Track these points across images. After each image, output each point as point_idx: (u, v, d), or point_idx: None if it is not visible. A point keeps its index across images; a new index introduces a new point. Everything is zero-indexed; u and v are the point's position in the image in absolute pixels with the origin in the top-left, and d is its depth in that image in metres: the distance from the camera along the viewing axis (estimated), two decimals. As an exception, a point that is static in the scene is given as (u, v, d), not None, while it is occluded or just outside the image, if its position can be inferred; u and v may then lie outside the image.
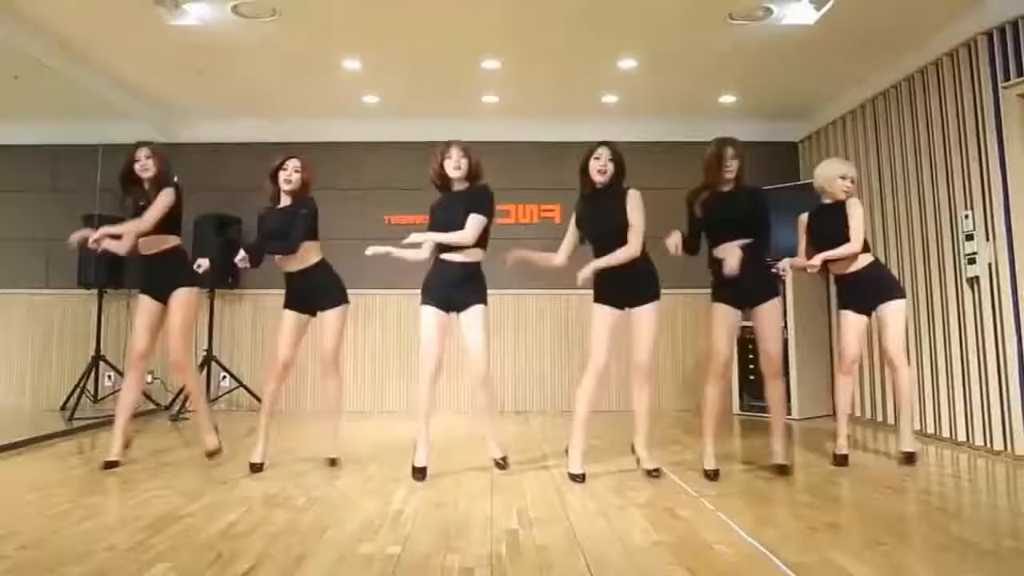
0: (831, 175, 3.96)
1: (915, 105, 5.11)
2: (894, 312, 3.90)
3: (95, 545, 2.45)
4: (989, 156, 4.35)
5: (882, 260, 5.43)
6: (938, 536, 2.61)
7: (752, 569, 2.25)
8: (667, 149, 6.57)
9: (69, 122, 6.43)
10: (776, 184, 6.10)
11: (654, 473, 3.55)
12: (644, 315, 3.55)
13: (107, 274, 6.25)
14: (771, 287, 3.63)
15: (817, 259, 3.85)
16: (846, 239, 3.86)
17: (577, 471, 3.51)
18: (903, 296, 3.97)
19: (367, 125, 6.64)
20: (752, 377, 6.11)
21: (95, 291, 6.29)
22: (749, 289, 3.55)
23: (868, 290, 3.95)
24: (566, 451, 3.73)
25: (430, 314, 3.59)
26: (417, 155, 6.74)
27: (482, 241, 3.61)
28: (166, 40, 4.87)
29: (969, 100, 4.53)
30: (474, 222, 3.53)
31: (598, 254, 3.56)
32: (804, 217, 4.10)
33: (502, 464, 3.70)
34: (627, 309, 3.58)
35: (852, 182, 3.95)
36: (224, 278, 6.37)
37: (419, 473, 3.55)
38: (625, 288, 3.55)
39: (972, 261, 4.46)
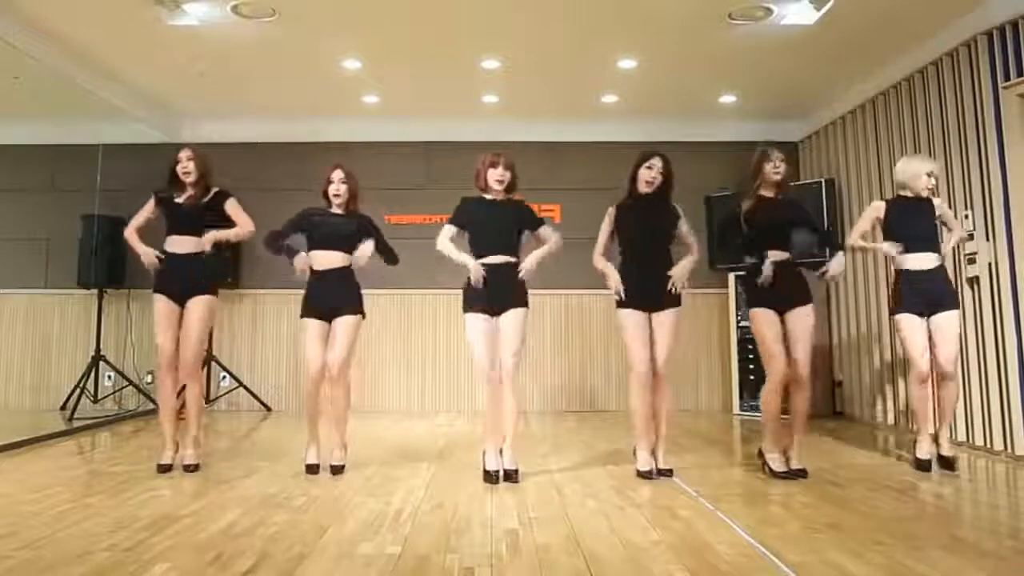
0: (917, 171, 3.85)
1: (915, 105, 5.11)
2: (952, 321, 3.79)
3: (95, 545, 2.44)
4: (989, 156, 4.35)
5: (882, 259, 5.46)
6: (938, 536, 2.61)
7: (752, 569, 2.25)
8: (667, 149, 6.49)
9: (69, 122, 6.43)
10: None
11: (666, 473, 3.58)
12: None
13: (107, 274, 6.25)
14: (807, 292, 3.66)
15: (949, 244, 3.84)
16: (932, 237, 3.82)
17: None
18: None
19: (367, 125, 6.64)
20: (752, 377, 6.12)
21: (95, 291, 6.29)
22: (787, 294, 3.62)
23: (936, 292, 3.81)
24: (634, 452, 3.72)
25: (480, 320, 3.54)
26: (417, 155, 6.82)
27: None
28: (166, 40, 4.87)
29: (969, 100, 4.53)
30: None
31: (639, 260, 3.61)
32: (881, 204, 3.93)
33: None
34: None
35: (936, 179, 3.88)
36: (224, 277, 6.37)
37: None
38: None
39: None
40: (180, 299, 3.77)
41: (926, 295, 3.77)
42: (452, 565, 2.27)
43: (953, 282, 3.98)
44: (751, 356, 6.14)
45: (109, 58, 5.31)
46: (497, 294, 3.53)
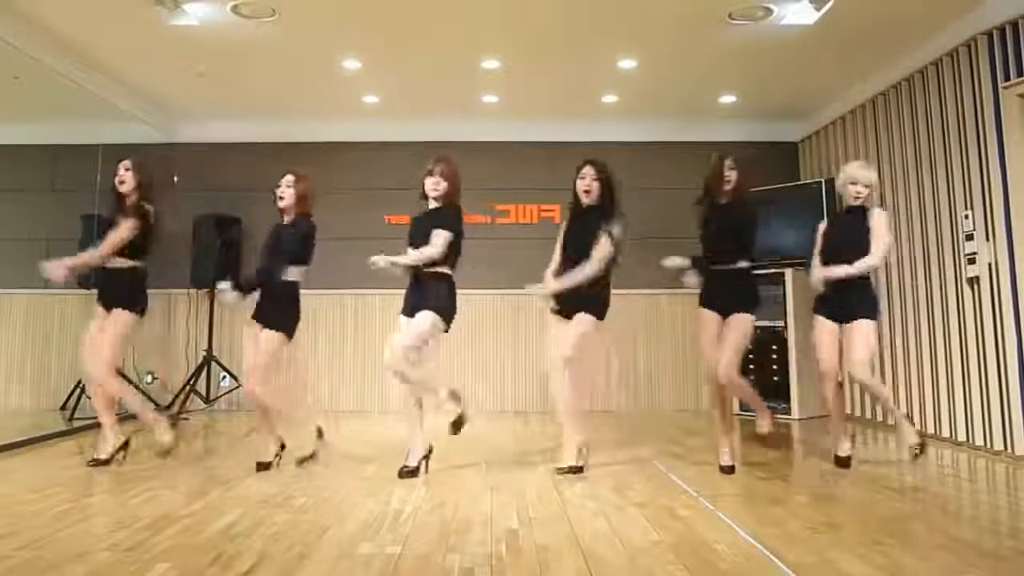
0: (843, 179, 3.85)
1: (915, 105, 5.11)
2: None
3: (95, 545, 2.45)
4: (989, 156, 4.35)
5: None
6: (938, 536, 2.61)
7: (752, 569, 2.25)
8: (667, 149, 6.57)
9: (69, 122, 6.42)
10: (776, 184, 6.10)
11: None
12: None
13: (107, 274, 6.24)
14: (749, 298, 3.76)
15: (834, 272, 3.73)
16: (860, 247, 3.71)
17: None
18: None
19: (367, 125, 6.64)
20: (752, 377, 6.11)
21: (95, 291, 6.27)
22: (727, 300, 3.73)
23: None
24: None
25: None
26: (417, 155, 6.74)
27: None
28: (166, 40, 4.87)
29: (969, 100, 4.53)
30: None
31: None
32: (822, 226, 3.96)
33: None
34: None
35: (865, 187, 3.77)
36: (224, 277, 6.36)
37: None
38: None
39: (972, 261, 4.46)
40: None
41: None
42: (452, 565, 2.27)
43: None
44: (749, 356, 6.13)
45: (109, 58, 5.31)
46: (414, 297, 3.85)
